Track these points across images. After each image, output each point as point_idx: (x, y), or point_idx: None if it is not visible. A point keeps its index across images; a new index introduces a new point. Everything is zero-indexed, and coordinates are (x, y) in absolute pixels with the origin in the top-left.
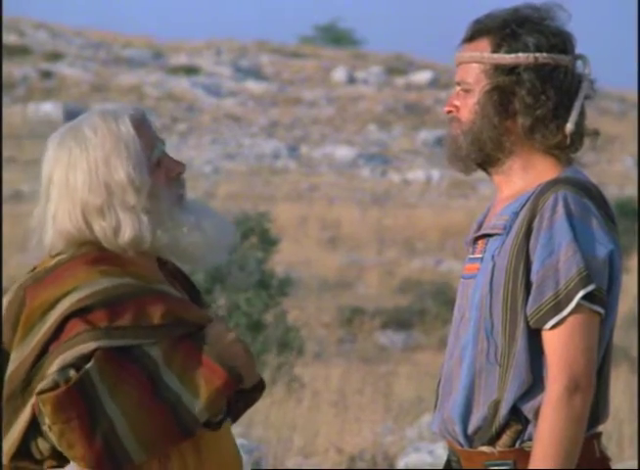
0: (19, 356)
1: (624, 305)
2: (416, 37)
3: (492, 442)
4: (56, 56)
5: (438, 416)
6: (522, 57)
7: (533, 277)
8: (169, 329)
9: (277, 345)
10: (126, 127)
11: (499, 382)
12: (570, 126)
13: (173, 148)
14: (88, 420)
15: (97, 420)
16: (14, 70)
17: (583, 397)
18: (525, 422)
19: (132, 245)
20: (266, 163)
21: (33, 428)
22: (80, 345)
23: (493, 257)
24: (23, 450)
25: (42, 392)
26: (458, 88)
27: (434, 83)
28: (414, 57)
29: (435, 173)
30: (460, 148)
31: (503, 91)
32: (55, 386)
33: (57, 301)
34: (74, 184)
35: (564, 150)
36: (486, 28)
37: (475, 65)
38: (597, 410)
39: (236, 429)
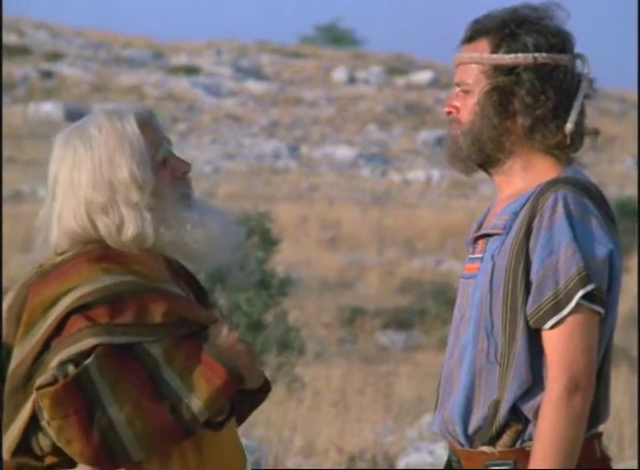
0: (21, 352)
1: (624, 304)
2: (416, 37)
3: (493, 442)
4: (56, 56)
5: (439, 416)
6: (521, 57)
7: (533, 277)
8: (171, 328)
9: (277, 345)
10: (131, 126)
11: (499, 382)
12: (569, 126)
13: (174, 148)
14: (86, 416)
15: (95, 416)
16: (14, 70)
17: (583, 396)
18: (526, 422)
19: (135, 242)
20: (266, 163)
21: (34, 424)
22: (81, 341)
23: (493, 256)
24: (24, 446)
25: (41, 387)
26: (458, 89)
27: (434, 83)
28: (414, 57)
29: (436, 173)
30: (460, 149)
31: (503, 91)
32: (54, 381)
33: (59, 297)
34: (79, 183)
35: (564, 150)
36: (485, 29)
37: (474, 65)
38: (597, 410)
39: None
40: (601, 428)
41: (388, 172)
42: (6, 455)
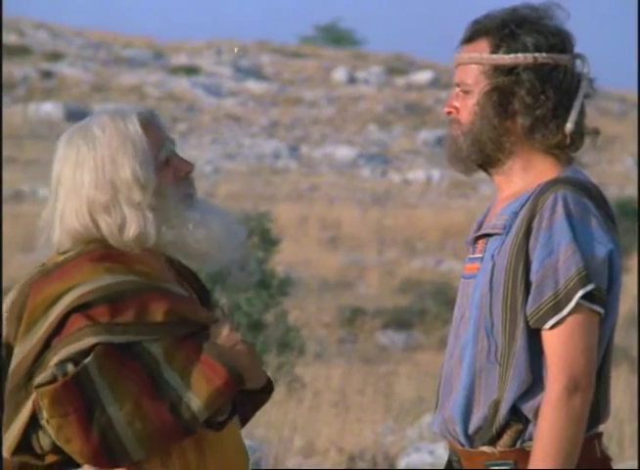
0: (22, 351)
1: (624, 304)
2: (416, 37)
3: (493, 442)
4: (56, 56)
5: (439, 416)
6: (521, 57)
7: (533, 277)
8: (172, 327)
9: (277, 345)
10: (134, 126)
11: (499, 382)
12: (569, 126)
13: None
14: (85, 415)
15: (95, 415)
16: (14, 70)
17: (583, 396)
18: (526, 422)
19: (137, 241)
20: (267, 163)
21: (34, 423)
22: (81, 340)
23: (493, 256)
24: (24, 445)
25: (40, 385)
26: (457, 89)
27: (434, 83)
28: (414, 57)
29: (436, 173)
30: (460, 149)
31: (502, 92)
32: (53, 379)
33: (60, 296)
34: (81, 182)
35: (564, 149)
36: (485, 29)
37: (474, 66)
38: (597, 410)
39: None
40: (601, 428)
41: (389, 172)
42: (7, 454)
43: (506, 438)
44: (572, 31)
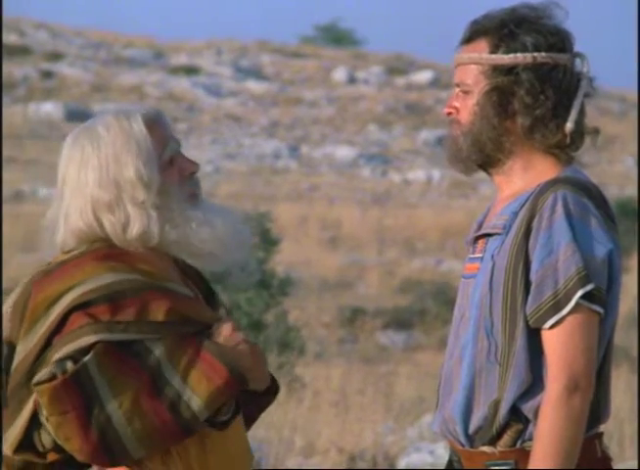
0: (24, 349)
1: (624, 304)
2: (416, 37)
3: (493, 441)
4: (56, 56)
5: (439, 416)
6: (520, 57)
7: (533, 277)
8: (174, 326)
9: (278, 345)
10: (138, 126)
11: (499, 381)
12: (569, 125)
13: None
14: (85, 412)
15: (94, 413)
16: (14, 70)
17: (583, 396)
18: (526, 422)
19: (140, 240)
20: (267, 163)
21: (36, 420)
22: (81, 338)
23: (493, 256)
24: (26, 443)
25: (39, 383)
26: (457, 90)
27: (434, 83)
28: (414, 57)
29: (436, 173)
30: (460, 149)
31: (502, 92)
32: (52, 377)
33: (61, 294)
34: (86, 181)
35: (564, 149)
36: (484, 29)
37: (473, 66)
38: (598, 410)
39: None
40: (601, 428)
41: (389, 172)
42: (9, 452)
43: (506, 438)
44: (572, 31)
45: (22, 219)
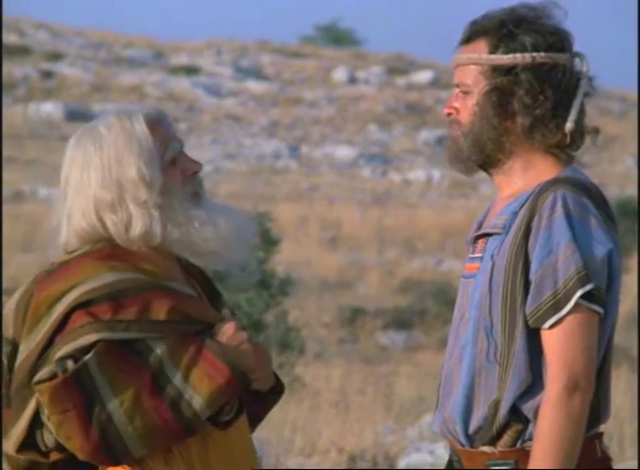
0: (26, 348)
1: (624, 305)
2: (417, 37)
3: (493, 441)
4: (56, 56)
5: (439, 416)
6: (519, 57)
7: (532, 277)
8: (176, 325)
9: (278, 345)
10: (140, 125)
11: (499, 381)
12: (569, 125)
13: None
14: (85, 411)
15: (95, 412)
16: (14, 70)
17: (583, 396)
18: (526, 422)
19: (143, 239)
20: (267, 163)
21: (38, 419)
22: (82, 337)
23: (493, 256)
24: (29, 442)
25: (40, 382)
26: (457, 90)
27: (434, 83)
28: (415, 57)
29: (436, 173)
30: (461, 150)
31: (502, 92)
32: (52, 376)
33: (63, 294)
34: (88, 182)
35: (564, 149)
36: (483, 29)
37: (472, 66)
38: (598, 410)
39: None
40: (601, 428)
41: (389, 172)
42: (12, 451)
43: (506, 438)
44: (572, 31)
45: (22, 219)
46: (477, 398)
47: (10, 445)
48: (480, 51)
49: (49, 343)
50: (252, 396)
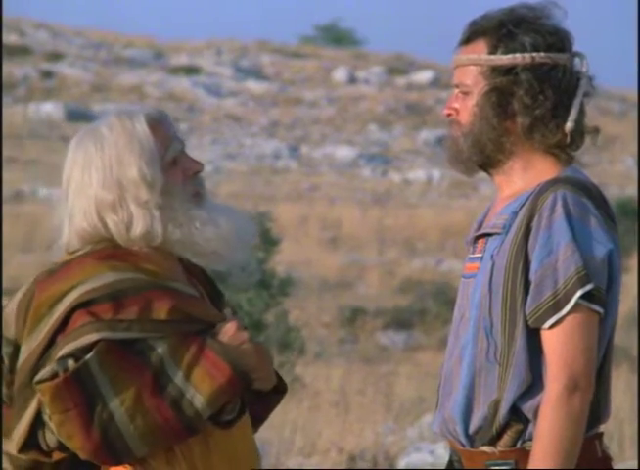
0: (28, 348)
1: (624, 304)
2: (417, 37)
3: (493, 441)
4: (56, 56)
5: (439, 416)
6: (518, 57)
7: (532, 277)
8: (177, 325)
9: (278, 345)
10: (141, 126)
11: (499, 381)
12: (569, 124)
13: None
14: (86, 410)
15: (96, 411)
16: (14, 70)
17: (583, 396)
18: (526, 422)
19: (144, 239)
20: (267, 163)
21: (40, 419)
22: (83, 336)
23: (492, 256)
24: (31, 442)
25: (41, 381)
26: (456, 91)
27: (434, 83)
28: (415, 57)
29: (436, 173)
30: (461, 150)
31: (501, 92)
32: (53, 375)
33: (64, 294)
34: (89, 182)
35: (564, 149)
36: (482, 30)
37: (472, 67)
38: (598, 410)
39: None
40: (601, 428)
41: (389, 172)
42: (14, 451)
43: (506, 438)
44: (572, 31)
45: (22, 219)
46: (477, 398)
47: (12, 445)
48: (480, 51)
49: (50, 342)
50: (255, 395)
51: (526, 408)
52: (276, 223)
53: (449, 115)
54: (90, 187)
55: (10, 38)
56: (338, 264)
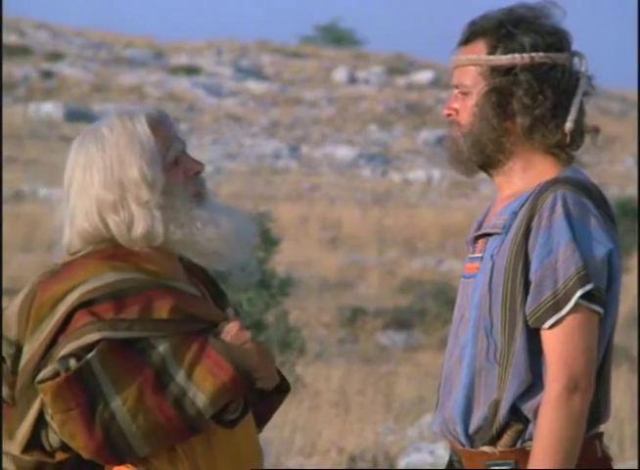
0: (30, 348)
1: (624, 304)
2: (417, 37)
3: (493, 441)
4: (56, 56)
5: (439, 416)
6: (518, 57)
7: (532, 277)
8: (179, 324)
9: (278, 345)
10: (142, 126)
11: (499, 381)
12: (569, 124)
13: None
14: (88, 410)
15: (98, 410)
16: (14, 70)
17: (582, 396)
18: (526, 422)
19: (145, 240)
20: (267, 163)
21: (43, 419)
22: (84, 336)
23: (492, 256)
24: (34, 442)
25: (43, 381)
26: (456, 91)
27: (434, 83)
28: (415, 57)
29: (436, 173)
30: (461, 151)
31: (501, 92)
32: (55, 375)
33: (65, 294)
34: (91, 182)
35: (564, 148)
36: (482, 30)
37: (471, 67)
38: (598, 410)
39: None
40: (601, 428)
41: (389, 172)
42: (17, 451)
43: (506, 438)
44: (572, 31)
45: (22, 219)
46: (477, 398)
47: (15, 445)
48: (479, 52)
49: (52, 343)
50: (258, 395)
51: (526, 408)
52: (276, 223)
53: (449, 115)
54: (91, 187)
55: (10, 38)
56: (338, 264)
